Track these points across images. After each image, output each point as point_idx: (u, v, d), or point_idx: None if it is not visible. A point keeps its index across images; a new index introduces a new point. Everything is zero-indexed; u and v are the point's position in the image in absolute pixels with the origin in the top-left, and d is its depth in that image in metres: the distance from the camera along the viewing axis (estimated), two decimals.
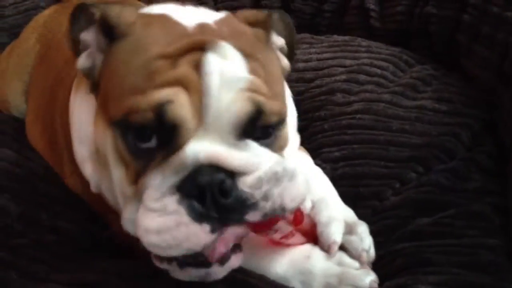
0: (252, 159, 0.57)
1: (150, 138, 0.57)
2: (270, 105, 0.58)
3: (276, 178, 0.57)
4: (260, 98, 0.57)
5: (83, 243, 0.77)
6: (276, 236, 0.65)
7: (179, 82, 0.56)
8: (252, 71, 0.58)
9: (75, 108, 0.75)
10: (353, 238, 0.69)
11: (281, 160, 0.60)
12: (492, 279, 0.65)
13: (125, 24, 0.62)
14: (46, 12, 1.17)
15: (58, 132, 0.84)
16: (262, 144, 0.59)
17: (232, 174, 0.55)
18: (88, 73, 0.66)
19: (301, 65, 1.15)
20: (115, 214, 0.74)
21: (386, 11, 1.31)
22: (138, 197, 0.57)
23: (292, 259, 0.67)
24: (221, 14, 0.68)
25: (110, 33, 0.63)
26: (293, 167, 0.59)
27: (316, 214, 0.71)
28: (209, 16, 0.66)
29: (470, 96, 1.03)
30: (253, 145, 0.58)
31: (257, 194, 0.56)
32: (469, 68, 1.09)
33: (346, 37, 1.26)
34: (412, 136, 0.92)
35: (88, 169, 0.70)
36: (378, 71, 1.09)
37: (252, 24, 0.66)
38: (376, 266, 0.69)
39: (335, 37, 1.27)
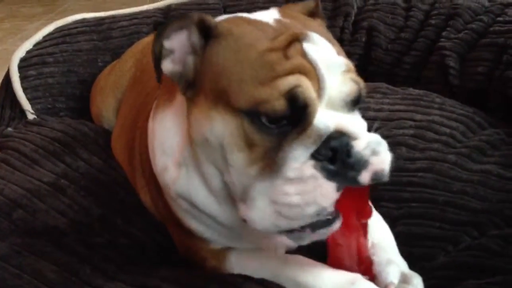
0: (362, 125, 0.69)
1: (281, 120, 0.65)
2: (362, 81, 0.70)
3: (377, 141, 0.66)
4: (357, 78, 0.69)
5: (149, 250, 0.85)
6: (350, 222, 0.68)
7: (298, 70, 0.65)
8: (339, 53, 0.69)
9: (156, 124, 0.81)
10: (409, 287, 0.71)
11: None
12: None
13: (221, 25, 0.70)
14: (146, 39, 1.29)
15: (136, 149, 0.93)
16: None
17: (350, 138, 0.66)
18: (178, 76, 0.71)
19: (371, 113, 1.16)
20: (177, 227, 0.82)
21: (466, 69, 1.30)
22: (265, 174, 0.65)
23: (337, 281, 0.70)
24: (275, 12, 0.75)
25: (206, 34, 0.70)
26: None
27: (374, 254, 0.75)
28: (269, 14, 0.74)
29: None
30: (358, 115, 0.70)
31: (366, 155, 0.65)
32: None
33: (421, 92, 1.25)
34: (472, 200, 0.92)
35: (170, 175, 0.77)
36: (447, 130, 1.09)
37: (307, 15, 0.77)
38: None
39: (411, 90, 1.26)
